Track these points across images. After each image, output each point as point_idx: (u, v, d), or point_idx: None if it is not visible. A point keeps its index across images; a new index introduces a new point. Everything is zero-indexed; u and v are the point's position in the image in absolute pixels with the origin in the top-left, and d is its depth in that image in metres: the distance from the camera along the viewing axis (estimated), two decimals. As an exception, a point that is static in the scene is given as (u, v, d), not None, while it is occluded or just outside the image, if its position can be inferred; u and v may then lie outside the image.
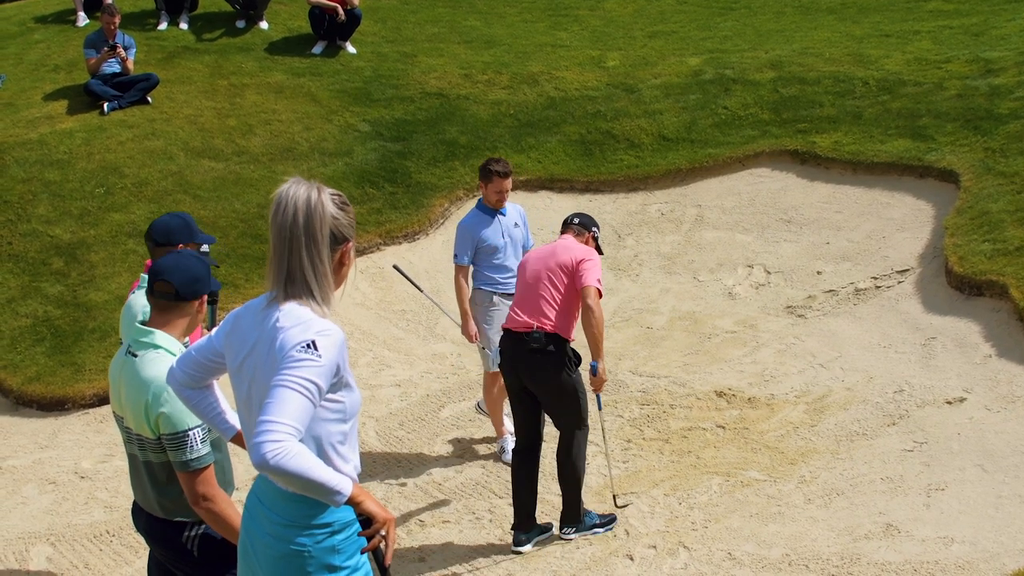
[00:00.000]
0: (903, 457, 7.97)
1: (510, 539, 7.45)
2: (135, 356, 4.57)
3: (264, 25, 16.38)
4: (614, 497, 7.70)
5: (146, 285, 4.88)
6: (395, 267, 9.83)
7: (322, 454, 3.66)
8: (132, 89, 14.02)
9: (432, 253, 12.15)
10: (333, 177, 12.85)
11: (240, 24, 16.34)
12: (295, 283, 3.65)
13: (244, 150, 13.39)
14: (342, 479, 3.52)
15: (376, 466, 8.64)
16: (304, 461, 3.40)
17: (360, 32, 16.02)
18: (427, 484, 8.32)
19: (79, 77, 14.46)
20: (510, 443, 8.58)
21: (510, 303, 8.38)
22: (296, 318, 3.60)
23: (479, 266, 8.54)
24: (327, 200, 3.68)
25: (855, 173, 12.31)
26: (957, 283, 10.01)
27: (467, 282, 8.49)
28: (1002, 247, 10.02)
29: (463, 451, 8.79)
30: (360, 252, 11.94)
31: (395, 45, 16.20)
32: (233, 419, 4.24)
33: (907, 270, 10.71)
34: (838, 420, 8.64)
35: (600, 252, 7.44)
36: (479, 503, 8.01)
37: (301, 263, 3.64)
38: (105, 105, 13.81)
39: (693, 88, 14.23)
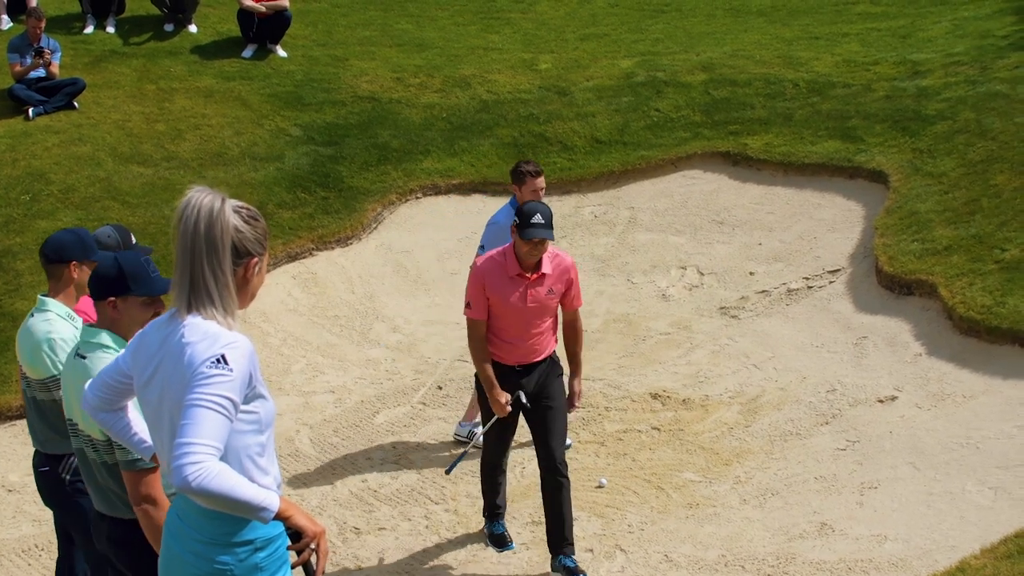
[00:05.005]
0: (836, 456, 8.04)
1: (445, 545, 7.44)
2: (84, 358, 4.66)
3: (193, 28, 16.16)
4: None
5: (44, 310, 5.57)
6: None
7: (241, 468, 3.60)
8: (58, 94, 13.78)
9: (365, 258, 12.05)
10: (264, 182, 12.72)
11: (168, 27, 16.11)
12: (197, 293, 3.60)
13: (174, 155, 13.21)
14: (268, 495, 3.50)
15: (310, 473, 8.56)
16: (227, 480, 3.38)
17: (290, 35, 15.88)
18: (362, 491, 8.25)
19: (2, 82, 14.19)
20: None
21: None
22: (202, 332, 3.54)
23: None
24: (229, 211, 3.62)
25: (786, 174, 12.40)
26: (887, 283, 10.13)
27: None
28: (931, 247, 10.14)
29: (398, 457, 8.73)
30: (292, 258, 11.83)
31: (326, 48, 16.07)
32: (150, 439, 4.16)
33: (838, 270, 10.81)
34: (772, 420, 8.70)
35: (520, 236, 6.72)
36: (415, 509, 7.95)
37: (203, 272, 3.58)
38: (30, 110, 13.56)
39: (625, 91, 14.26)
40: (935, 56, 13.75)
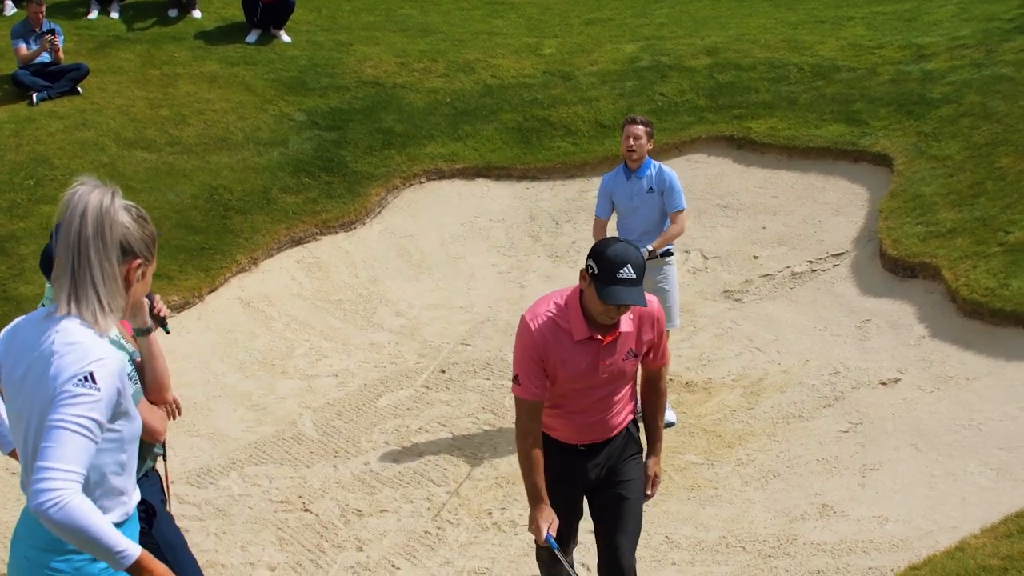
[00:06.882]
0: (839, 438, 8.03)
1: (447, 527, 7.42)
2: None
3: (197, 14, 16.18)
4: None
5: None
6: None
7: (94, 486, 3.50)
8: (62, 79, 13.78)
9: (369, 242, 12.06)
10: (268, 167, 12.71)
11: (172, 13, 16.13)
12: (82, 285, 3.44)
13: (177, 140, 13.21)
14: (130, 544, 3.37)
15: (313, 456, 8.56)
16: (86, 517, 3.26)
17: (294, 20, 15.87)
18: (364, 473, 8.26)
19: (6, 67, 14.19)
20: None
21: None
22: (72, 343, 3.38)
23: (617, 226, 8.69)
24: (119, 206, 3.50)
25: (790, 158, 12.38)
26: (891, 266, 10.11)
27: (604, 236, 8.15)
28: (935, 230, 10.12)
29: (401, 440, 8.73)
30: (296, 242, 11.83)
31: (330, 33, 16.07)
32: (10, 433, 4.06)
33: (842, 253, 10.79)
34: (775, 403, 8.69)
35: (597, 292, 4.82)
36: (417, 491, 7.96)
37: (89, 263, 3.42)
38: (34, 95, 13.57)
39: (629, 75, 14.24)
40: (940, 39, 13.70)
